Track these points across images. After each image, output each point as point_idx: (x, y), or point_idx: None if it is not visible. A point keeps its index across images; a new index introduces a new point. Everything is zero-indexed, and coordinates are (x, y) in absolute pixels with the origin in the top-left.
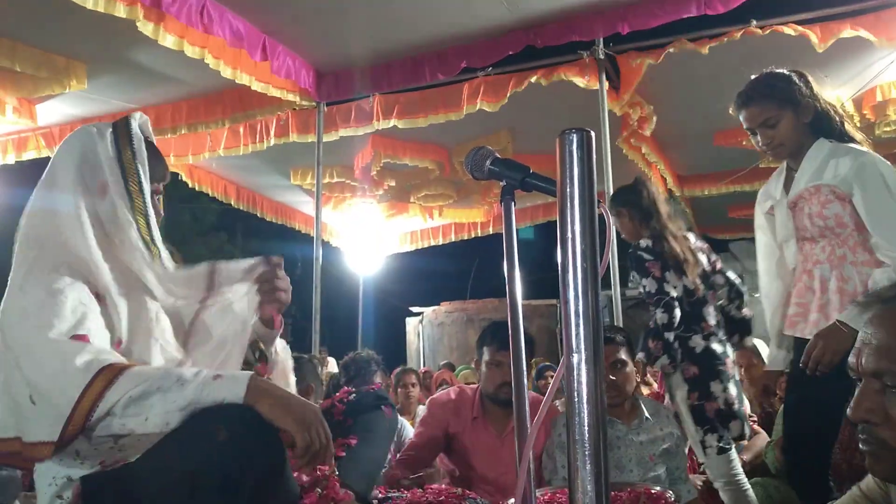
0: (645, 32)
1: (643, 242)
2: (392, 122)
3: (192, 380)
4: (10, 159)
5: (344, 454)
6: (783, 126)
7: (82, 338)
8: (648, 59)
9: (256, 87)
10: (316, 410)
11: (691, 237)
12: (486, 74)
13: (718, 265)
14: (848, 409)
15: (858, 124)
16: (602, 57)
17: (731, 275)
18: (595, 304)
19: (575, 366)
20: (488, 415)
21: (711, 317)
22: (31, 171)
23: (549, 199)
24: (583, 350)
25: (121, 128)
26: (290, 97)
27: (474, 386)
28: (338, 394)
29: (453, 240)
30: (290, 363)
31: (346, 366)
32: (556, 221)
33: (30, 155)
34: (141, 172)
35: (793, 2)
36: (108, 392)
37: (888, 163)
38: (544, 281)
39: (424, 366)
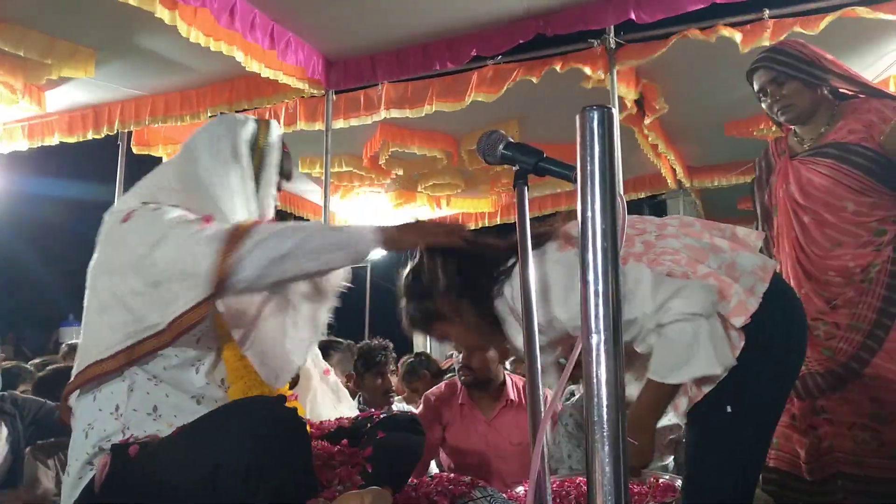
0: (657, 22)
1: None
2: (401, 111)
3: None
4: (19, 146)
5: (371, 468)
6: None
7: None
8: (651, 53)
9: (266, 73)
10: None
11: None
12: (495, 63)
13: None
14: None
15: None
16: (613, 46)
17: None
18: (615, 285)
19: (594, 347)
20: (475, 400)
21: None
22: (38, 158)
23: (557, 189)
24: (602, 331)
25: (262, 122)
26: (299, 85)
27: None
28: (369, 410)
29: None
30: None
31: (362, 355)
32: (558, 214)
33: (38, 142)
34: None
35: None
36: (246, 239)
37: None
38: None
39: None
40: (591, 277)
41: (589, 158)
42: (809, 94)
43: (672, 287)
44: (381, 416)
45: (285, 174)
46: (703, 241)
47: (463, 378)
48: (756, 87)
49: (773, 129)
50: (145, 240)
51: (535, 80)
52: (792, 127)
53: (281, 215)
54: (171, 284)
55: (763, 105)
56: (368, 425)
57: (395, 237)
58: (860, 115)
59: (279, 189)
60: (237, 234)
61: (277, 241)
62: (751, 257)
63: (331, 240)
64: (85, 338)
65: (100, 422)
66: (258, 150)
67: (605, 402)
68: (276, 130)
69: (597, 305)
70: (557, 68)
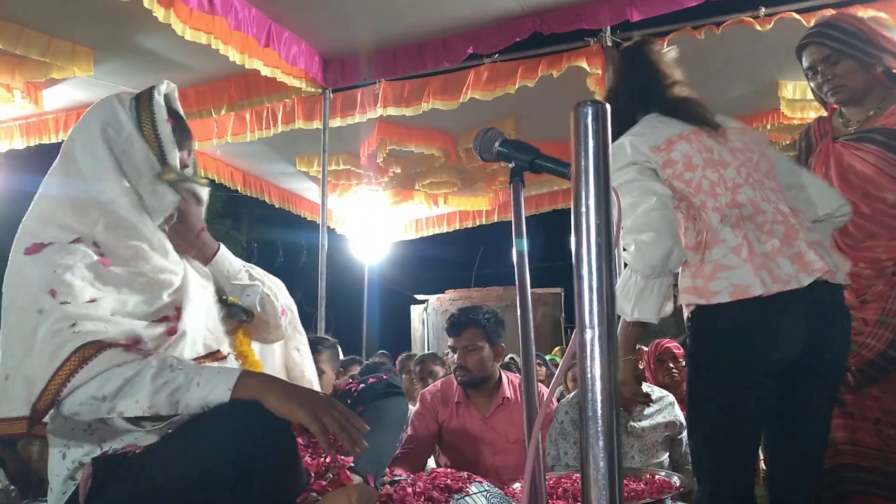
0: (653, 20)
1: None
2: (398, 109)
3: (184, 367)
4: (16, 144)
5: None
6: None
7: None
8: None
9: (266, 72)
10: (324, 396)
11: None
12: (492, 61)
13: None
14: None
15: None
16: (609, 44)
17: None
18: (609, 280)
19: (588, 342)
20: (471, 398)
21: None
22: (36, 157)
23: (554, 187)
24: (596, 326)
25: (143, 97)
26: (296, 84)
27: None
28: (347, 381)
29: (458, 228)
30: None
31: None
32: (559, 210)
33: (35, 140)
34: (163, 140)
35: None
36: (82, 370)
37: None
38: (548, 270)
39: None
40: (584, 272)
41: (583, 154)
42: (864, 74)
43: (640, 229)
44: (360, 387)
45: (183, 147)
46: (737, 236)
47: (459, 378)
48: (805, 64)
49: (769, 127)
50: (32, 302)
51: (530, 83)
52: (836, 106)
53: (278, 214)
54: (16, 374)
55: (811, 84)
56: (349, 401)
57: (253, 393)
58: None
59: (184, 165)
60: (85, 355)
61: (102, 380)
62: (747, 275)
63: (159, 386)
64: None
65: (75, 440)
66: (148, 133)
67: (599, 398)
68: (160, 105)
69: (591, 301)
70: (554, 73)
